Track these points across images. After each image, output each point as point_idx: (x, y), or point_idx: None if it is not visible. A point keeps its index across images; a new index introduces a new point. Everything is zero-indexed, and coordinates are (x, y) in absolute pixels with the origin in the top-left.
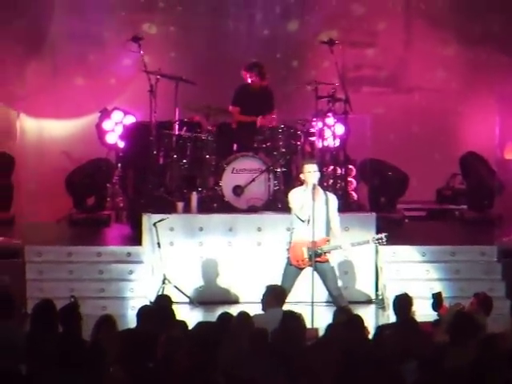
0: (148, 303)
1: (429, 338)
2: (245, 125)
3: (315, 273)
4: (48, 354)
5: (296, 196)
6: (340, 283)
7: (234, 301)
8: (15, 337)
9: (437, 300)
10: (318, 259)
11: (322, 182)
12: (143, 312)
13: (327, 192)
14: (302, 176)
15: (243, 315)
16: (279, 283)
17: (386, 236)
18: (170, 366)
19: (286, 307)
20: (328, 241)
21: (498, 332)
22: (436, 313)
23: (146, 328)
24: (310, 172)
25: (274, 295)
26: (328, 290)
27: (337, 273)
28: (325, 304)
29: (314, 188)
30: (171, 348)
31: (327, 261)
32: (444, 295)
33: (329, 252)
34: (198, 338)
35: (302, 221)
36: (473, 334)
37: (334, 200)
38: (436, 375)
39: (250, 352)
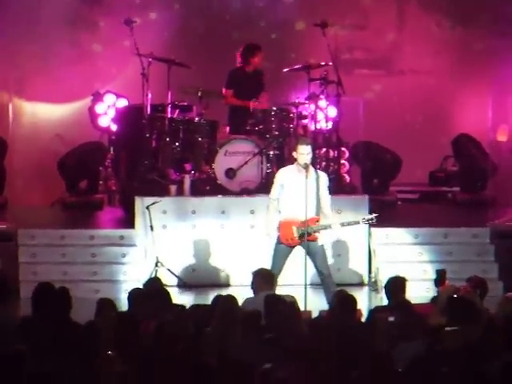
0: (140, 286)
1: (424, 321)
2: (238, 108)
3: (305, 252)
4: (44, 338)
5: (281, 174)
6: (332, 265)
7: (227, 283)
8: (10, 321)
9: (440, 277)
10: (308, 238)
11: (314, 164)
12: (134, 295)
13: (318, 170)
14: (294, 154)
15: (228, 299)
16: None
17: (375, 217)
18: (163, 349)
19: (278, 290)
20: (318, 220)
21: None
22: (436, 289)
23: (138, 311)
24: (304, 154)
25: (264, 278)
26: (317, 268)
27: (330, 255)
28: (317, 286)
29: (306, 167)
30: (164, 331)
31: (315, 239)
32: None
33: (318, 231)
34: (192, 321)
35: (271, 198)
36: (470, 317)
37: (324, 178)
38: (431, 357)
39: (242, 334)
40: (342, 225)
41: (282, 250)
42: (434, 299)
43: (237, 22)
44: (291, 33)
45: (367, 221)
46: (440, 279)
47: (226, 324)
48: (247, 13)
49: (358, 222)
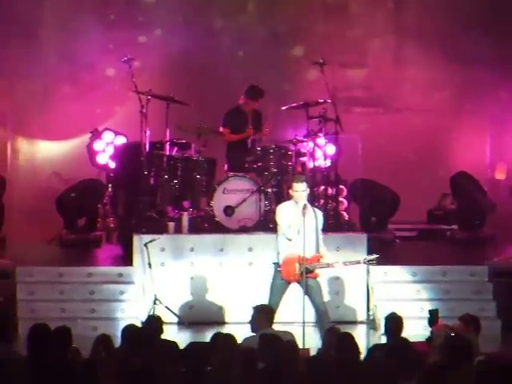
0: (139, 324)
1: (422, 359)
2: (236, 145)
3: (300, 288)
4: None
5: (283, 213)
6: (331, 302)
7: (226, 321)
8: (15, 359)
9: (433, 316)
10: (309, 275)
11: (312, 201)
12: (127, 332)
13: (315, 208)
14: (290, 192)
15: (228, 338)
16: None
17: (376, 258)
18: None
19: (276, 327)
20: (319, 258)
21: (491, 352)
22: (430, 329)
23: (130, 348)
24: (298, 191)
25: (264, 315)
26: (314, 305)
27: (328, 292)
28: (316, 324)
29: (304, 207)
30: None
31: (317, 277)
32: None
33: (319, 269)
34: (191, 359)
35: (289, 239)
36: (467, 355)
37: (321, 216)
38: None
39: (239, 373)
40: (345, 264)
41: (281, 285)
42: (428, 339)
43: (236, 60)
44: (290, 71)
45: (368, 261)
46: (432, 319)
47: (226, 363)
48: (245, 50)
49: (359, 262)
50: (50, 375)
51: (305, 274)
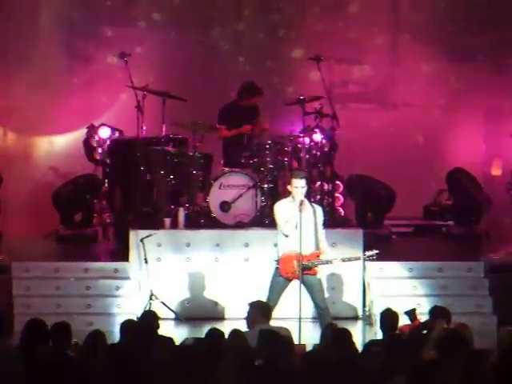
0: (135, 319)
1: (417, 354)
2: (232, 141)
3: (302, 285)
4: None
5: (281, 210)
6: (327, 298)
7: (222, 317)
8: (9, 354)
9: (411, 316)
10: (308, 272)
11: (309, 198)
12: (126, 327)
13: (313, 204)
14: (289, 188)
15: (236, 333)
16: (266, 297)
17: (376, 253)
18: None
19: (273, 323)
20: (318, 255)
21: (486, 348)
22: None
23: (130, 343)
24: (298, 187)
25: (260, 311)
26: (315, 302)
27: (324, 288)
28: (312, 320)
29: (301, 203)
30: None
31: (315, 273)
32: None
33: (318, 266)
34: (186, 355)
35: (286, 236)
36: (462, 349)
37: (320, 212)
38: None
39: (237, 370)
40: (343, 260)
41: (281, 282)
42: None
43: (233, 55)
44: (286, 66)
45: (368, 257)
46: (412, 318)
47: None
48: (243, 45)
49: (358, 258)
50: (45, 370)
51: (303, 270)
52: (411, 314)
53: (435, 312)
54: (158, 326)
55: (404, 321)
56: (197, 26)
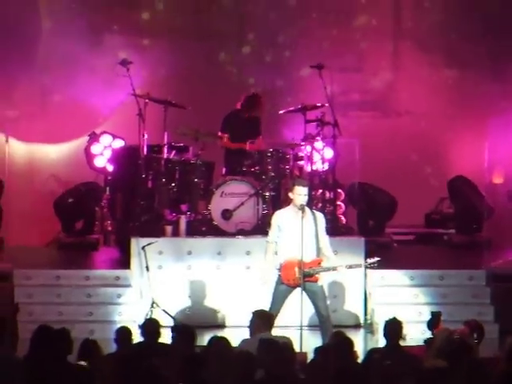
0: (136, 327)
1: (419, 363)
2: (234, 149)
3: (304, 293)
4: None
5: (277, 218)
6: (329, 306)
7: (223, 324)
8: (11, 362)
9: (435, 319)
10: (309, 279)
11: (310, 206)
12: (122, 334)
13: (314, 211)
14: (290, 195)
15: (222, 341)
16: (268, 305)
17: (378, 260)
18: None
19: (274, 332)
20: (320, 262)
21: (488, 357)
22: (430, 332)
23: (128, 350)
24: (301, 195)
25: (262, 320)
26: (317, 310)
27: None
28: (313, 328)
29: (302, 209)
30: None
31: (317, 280)
32: None
33: (318, 273)
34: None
35: (266, 241)
36: (466, 360)
37: (321, 219)
38: None
39: (237, 377)
40: (347, 267)
41: (283, 290)
42: (427, 341)
43: (234, 63)
44: (287, 74)
45: (370, 264)
46: (435, 321)
47: (220, 366)
48: (243, 53)
49: (360, 266)
50: (48, 377)
51: (304, 278)
52: (436, 316)
53: (470, 324)
54: (159, 334)
55: (406, 329)
56: (199, 36)
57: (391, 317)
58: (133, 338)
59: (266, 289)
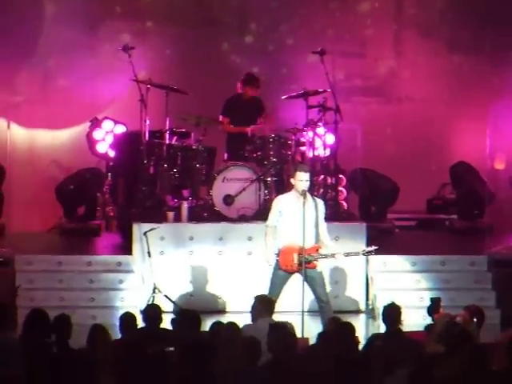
0: (138, 312)
1: (420, 348)
2: (235, 134)
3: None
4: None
5: (278, 203)
6: (330, 292)
7: (224, 310)
8: (11, 346)
9: (435, 305)
10: (307, 266)
11: (312, 191)
12: (126, 320)
13: (316, 198)
14: (292, 181)
15: (232, 326)
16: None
17: (375, 249)
18: (162, 378)
19: (275, 317)
20: (318, 249)
21: (488, 342)
22: (430, 317)
23: (132, 337)
24: (302, 181)
25: (264, 305)
26: (316, 296)
27: (327, 282)
28: (314, 314)
29: (304, 195)
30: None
31: (315, 267)
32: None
33: (317, 260)
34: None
35: (266, 225)
36: (465, 344)
37: (322, 206)
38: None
39: (242, 361)
40: (345, 255)
41: (281, 276)
42: (428, 327)
43: (235, 49)
44: (290, 60)
45: (367, 253)
46: (434, 307)
47: (232, 351)
48: (245, 39)
49: (357, 254)
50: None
51: (304, 264)
52: (435, 302)
53: (470, 309)
54: (161, 320)
55: (407, 315)
56: (201, 22)
57: (389, 302)
58: (137, 323)
59: (267, 272)
